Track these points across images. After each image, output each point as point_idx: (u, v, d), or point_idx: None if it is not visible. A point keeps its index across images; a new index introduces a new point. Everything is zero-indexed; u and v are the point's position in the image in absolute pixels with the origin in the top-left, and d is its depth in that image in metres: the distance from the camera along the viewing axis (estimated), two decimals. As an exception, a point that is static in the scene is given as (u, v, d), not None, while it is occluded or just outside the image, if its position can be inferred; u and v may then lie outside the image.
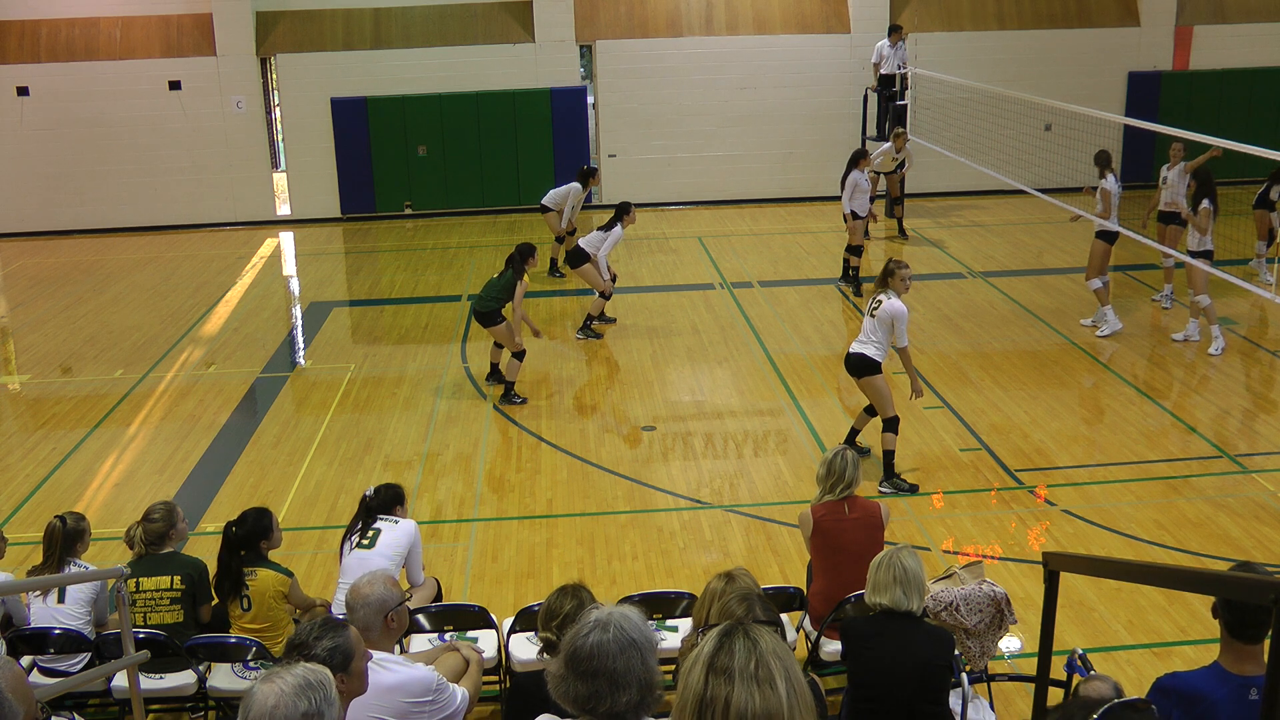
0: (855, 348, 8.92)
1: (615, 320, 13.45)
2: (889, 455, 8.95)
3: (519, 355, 11.05)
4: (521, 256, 11.04)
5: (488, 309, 10.95)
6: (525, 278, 11.02)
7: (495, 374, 11.54)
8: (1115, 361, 11.72)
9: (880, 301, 8.81)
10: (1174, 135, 12.12)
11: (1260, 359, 11.75)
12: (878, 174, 16.08)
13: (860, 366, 8.87)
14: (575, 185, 15.20)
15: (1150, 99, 19.54)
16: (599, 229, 13.11)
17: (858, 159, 14.49)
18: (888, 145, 16.52)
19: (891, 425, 8.90)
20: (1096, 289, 12.44)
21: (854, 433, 9.37)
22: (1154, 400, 10.63)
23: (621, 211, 13.01)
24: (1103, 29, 19.82)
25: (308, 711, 2.87)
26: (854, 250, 14.61)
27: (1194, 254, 11.48)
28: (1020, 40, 19.70)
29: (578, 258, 12.96)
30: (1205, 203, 11.41)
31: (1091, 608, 7.14)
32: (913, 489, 8.93)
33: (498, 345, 11.45)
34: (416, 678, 4.53)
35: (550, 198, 15.29)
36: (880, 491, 8.89)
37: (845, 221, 14.64)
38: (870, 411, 9.16)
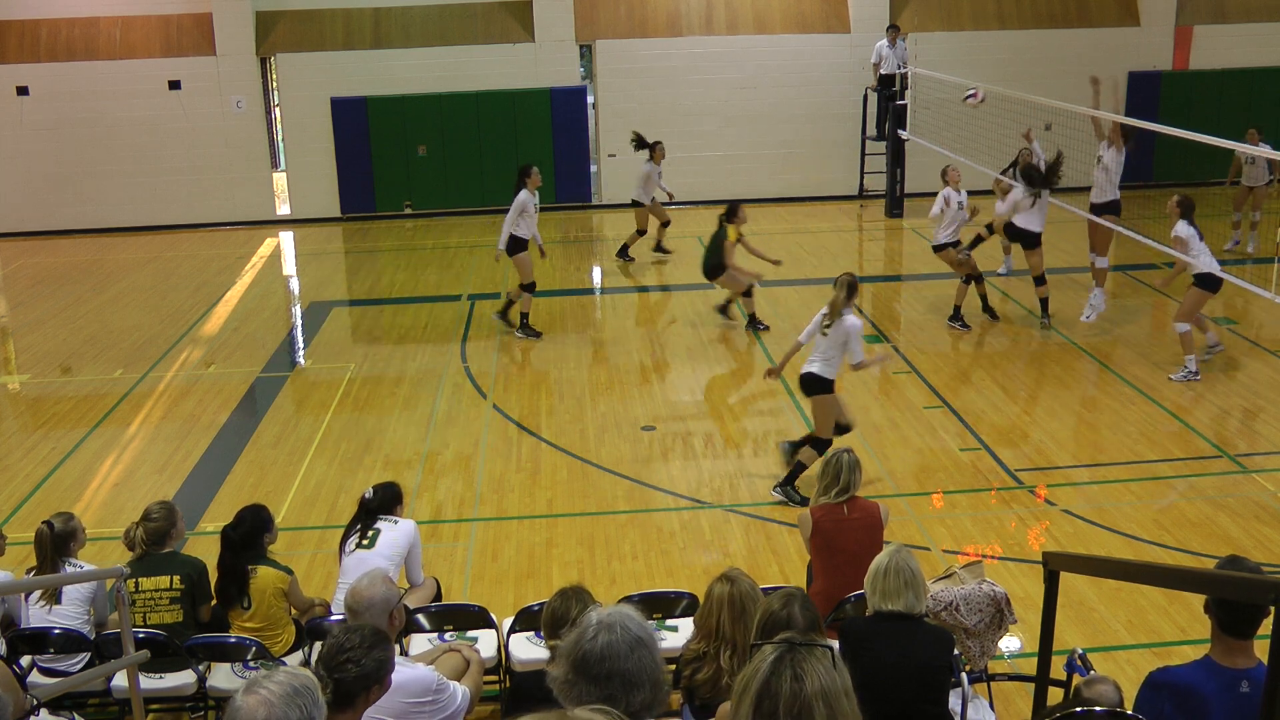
0: (806, 366, 8.76)
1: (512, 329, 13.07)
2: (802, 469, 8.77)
3: None
4: None
5: None
6: None
7: None
8: (1115, 361, 11.71)
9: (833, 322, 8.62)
10: (1174, 135, 12.11)
11: (1260, 359, 11.74)
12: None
13: (813, 385, 8.72)
14: (645, 166, 15.66)
15: (1150, 99, 19.53)
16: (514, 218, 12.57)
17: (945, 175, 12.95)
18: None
19: (820, 446, 8.62)
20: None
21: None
22: (1154, 400, 10.63)
23: (523, 175, 12.56)
24: (1103, 29, 19.81)
25: (300, 719, 2.78)
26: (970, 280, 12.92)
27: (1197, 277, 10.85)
28: (1020, 40, 19.70)
29: (515, 246, 12.63)
30: (1183, 225, 10.75)
31: (1091, 608, 7.14)
32: (804, 501, 8.43)
33: None
34: (417, 677, 4.52)
35: (637, 192, 15.91)
36: (773, 494, 8.85)
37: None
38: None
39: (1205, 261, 10.68)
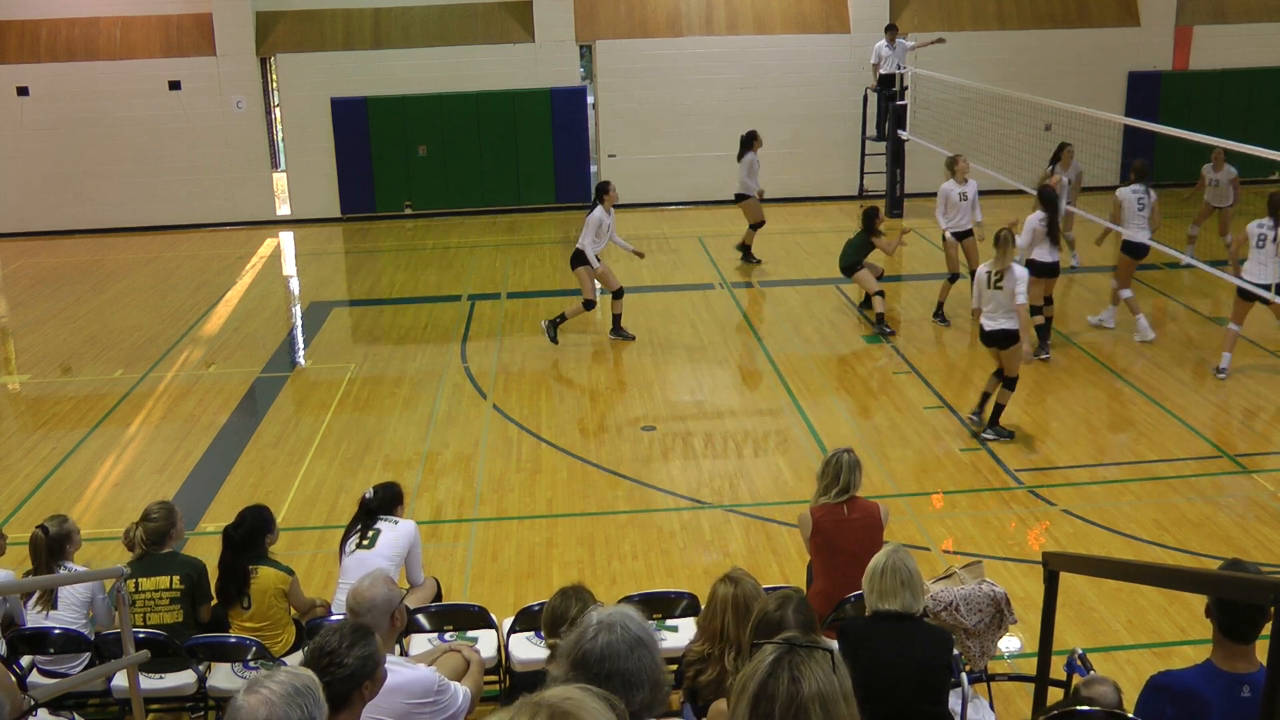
0: (996, 324, 9.59)
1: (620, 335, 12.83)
2: (1001, 409, 9.88)
3: None
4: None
5: None
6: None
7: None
8: (1115, 361, 11.71)
9: (1002, 273, 9.50)
10: (1174, 135, 12.10)
11: (1260, 359, 11.74)
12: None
13: (1007, 338, 9.59)
14: (749, 155, 15.56)
15: (1150, 99, 19.54)
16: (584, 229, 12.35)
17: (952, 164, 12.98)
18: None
19: (1014, 384, 9.80)
20: (1127, 298, 12.19)
21: (986, 397, 9.90)
22: (1154, 400, 10.63)
23: (601, 192, 12.40)
24: (1103, 29, 19.82)
25: (300, 719, 2.79)
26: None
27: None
28: (1020, 40, 19.71)
29: (578, 259, 12.43)
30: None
31: (1091, 608, 7.14)
32: (1010, 435, 9.84)
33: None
34: (418, 678, 4.52)
35: (741, 186, 15.68)
36: (984, 437, 9.78)
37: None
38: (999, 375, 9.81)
39: (1254, 270, 10.75)
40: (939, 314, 13.09)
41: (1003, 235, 9.66)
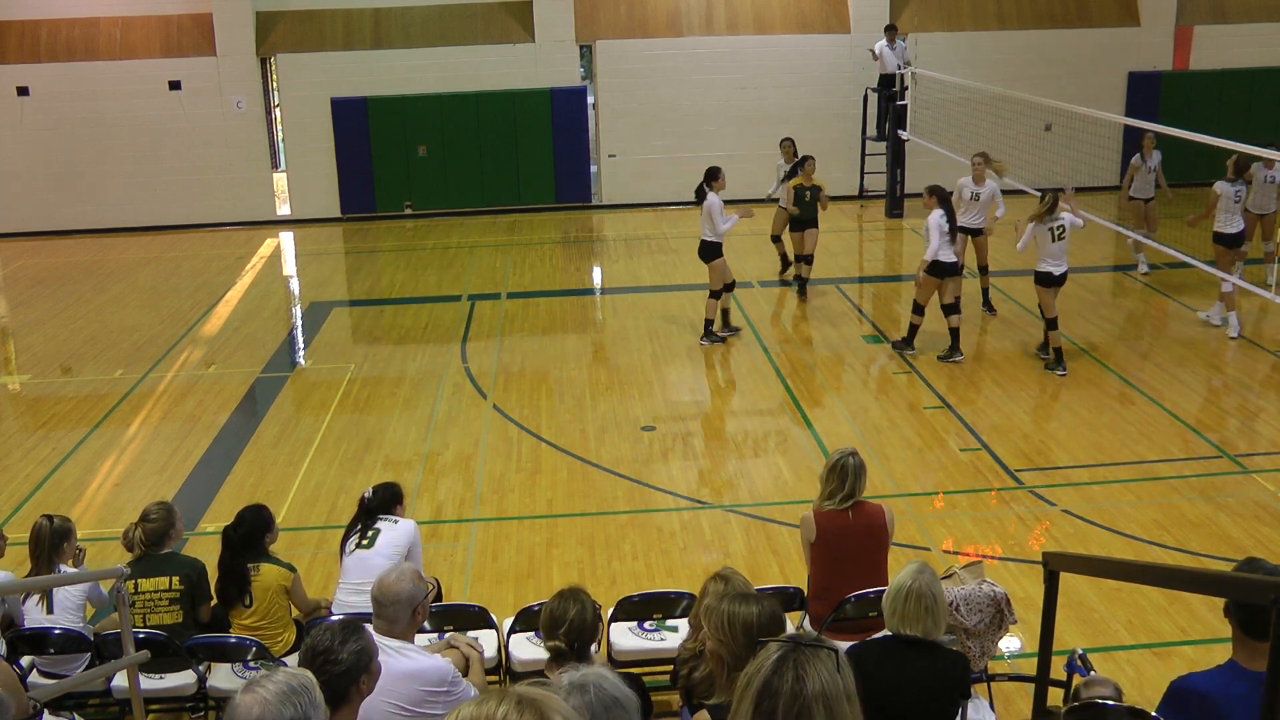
0: (1062, 269, 11.01)
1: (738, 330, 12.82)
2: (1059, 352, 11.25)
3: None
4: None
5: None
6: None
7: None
8: (1115, 361, 11.71)
9: (1063, 226, 10.85)
10: (1174, 135, 12.10)
11: (1260, 359, 11.74)
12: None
13: (1064, 279, 11.11)
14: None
15: (1150, 99, 19.54)
16: (703, 220, 12.14)
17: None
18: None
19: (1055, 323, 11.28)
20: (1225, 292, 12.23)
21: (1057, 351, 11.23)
22: (1154, 400, 10.63)
23: (709, 178, 12.09)
24: (1103, 29, 19.82)
25: (294, 718, 2.81)
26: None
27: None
28: (1020, 40, 19.71)
29: (709, 252, 12.22)
30: None
31: (1091, 608, 7.14)
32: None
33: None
34: (434, 666, 4.55)
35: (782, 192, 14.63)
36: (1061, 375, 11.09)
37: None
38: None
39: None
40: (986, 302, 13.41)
41: (1048, 196, 10.95)
